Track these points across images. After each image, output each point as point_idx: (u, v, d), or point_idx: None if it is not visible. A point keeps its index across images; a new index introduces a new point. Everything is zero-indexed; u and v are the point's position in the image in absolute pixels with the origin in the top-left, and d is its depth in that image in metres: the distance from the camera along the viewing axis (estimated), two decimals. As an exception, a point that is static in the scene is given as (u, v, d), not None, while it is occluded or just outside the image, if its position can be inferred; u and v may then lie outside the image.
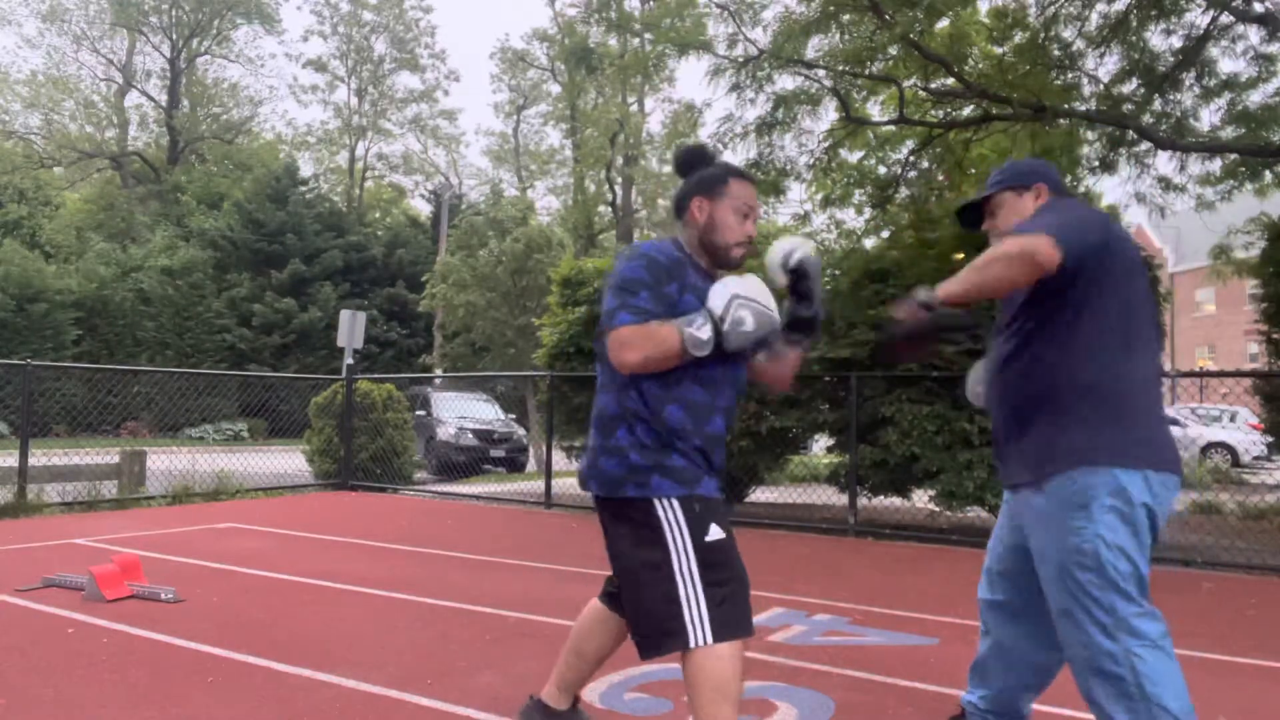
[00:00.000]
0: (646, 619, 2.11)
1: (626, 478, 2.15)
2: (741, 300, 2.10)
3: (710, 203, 2.28)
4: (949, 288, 2.13)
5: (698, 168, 2.35)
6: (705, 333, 2.09)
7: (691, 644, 2.04)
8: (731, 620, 2.07)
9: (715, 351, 2.12)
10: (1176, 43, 8.73)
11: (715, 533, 2.14)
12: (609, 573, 2.42)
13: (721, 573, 2.10)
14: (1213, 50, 8.77)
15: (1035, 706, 2.65)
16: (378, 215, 37.37)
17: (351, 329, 13.82)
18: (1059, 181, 2.43)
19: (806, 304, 2.23)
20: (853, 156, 10.78)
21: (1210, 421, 17.58)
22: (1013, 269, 2.05)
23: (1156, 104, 9.10)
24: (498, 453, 14.42)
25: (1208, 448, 16.72)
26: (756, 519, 7.79)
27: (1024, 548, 2.34)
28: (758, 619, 3.87)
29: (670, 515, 2.12)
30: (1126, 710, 2.05)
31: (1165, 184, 9.87)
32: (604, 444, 2.21)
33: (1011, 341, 2.30)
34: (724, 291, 2.12)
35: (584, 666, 2.56)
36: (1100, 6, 8.70)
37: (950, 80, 8.64)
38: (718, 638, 2.04)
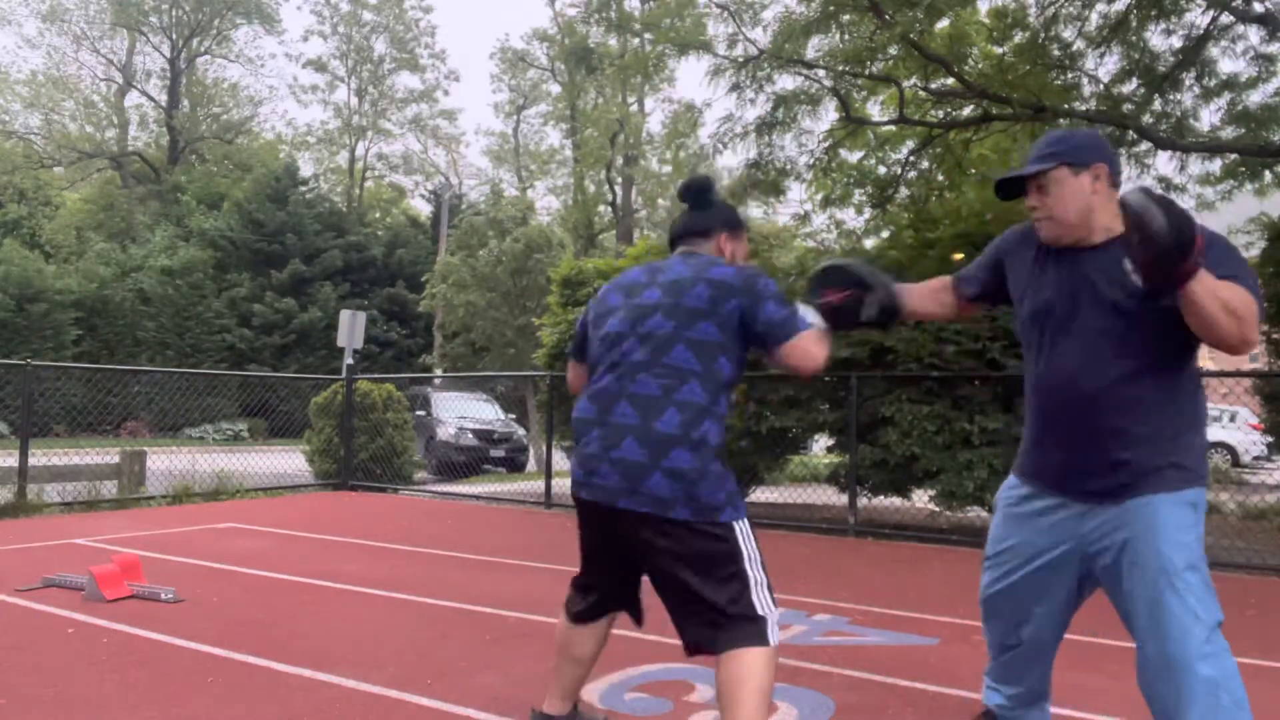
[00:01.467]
0: (723, 615, 2.17)
1: (726, 503, 2.21)
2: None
3: (735, 244, 2.51)
4: (1201, 289, 1.85)
5: (703, 198, 2.53)
6: (819, 319, 2.41)
7: (771, 642, 2.16)
8: (777, 628, 2.25)
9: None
10: (1176, 43, 8.74)
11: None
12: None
13: (770, 579, 2.27)
14: (1213, 50, 8.78)
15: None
16: (378, 215, 37.35)
17: (351, 329, 13.82)
18: (1118, 164, 2.18)
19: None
20: (853, 156, 10.78)
21: (1210, 421, 17.53)
22: (1232, 333, 1.88)
23: (1156, 104, 9.10)
24: (498, 453, 14.42)
25: (1208, 448, 16.69)
26: (756, 519, 7.73)
27: (1080, 559, 2.19)
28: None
29: (745, 533, 2.24)
30: (1212, 713, 2.00)
31: (1165, 184, 9.87)
32: (704, 469, 2.18)
33: (1116, 361, 2.07)
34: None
35: (580, 670, 2.58)
36: (1100, 6, 8.70)
37: (950, 80, 8.64)
38: (775, 640, 2.19)
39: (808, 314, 2.32)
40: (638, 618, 2.54)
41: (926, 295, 2.53)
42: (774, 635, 2.18)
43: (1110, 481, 2.08)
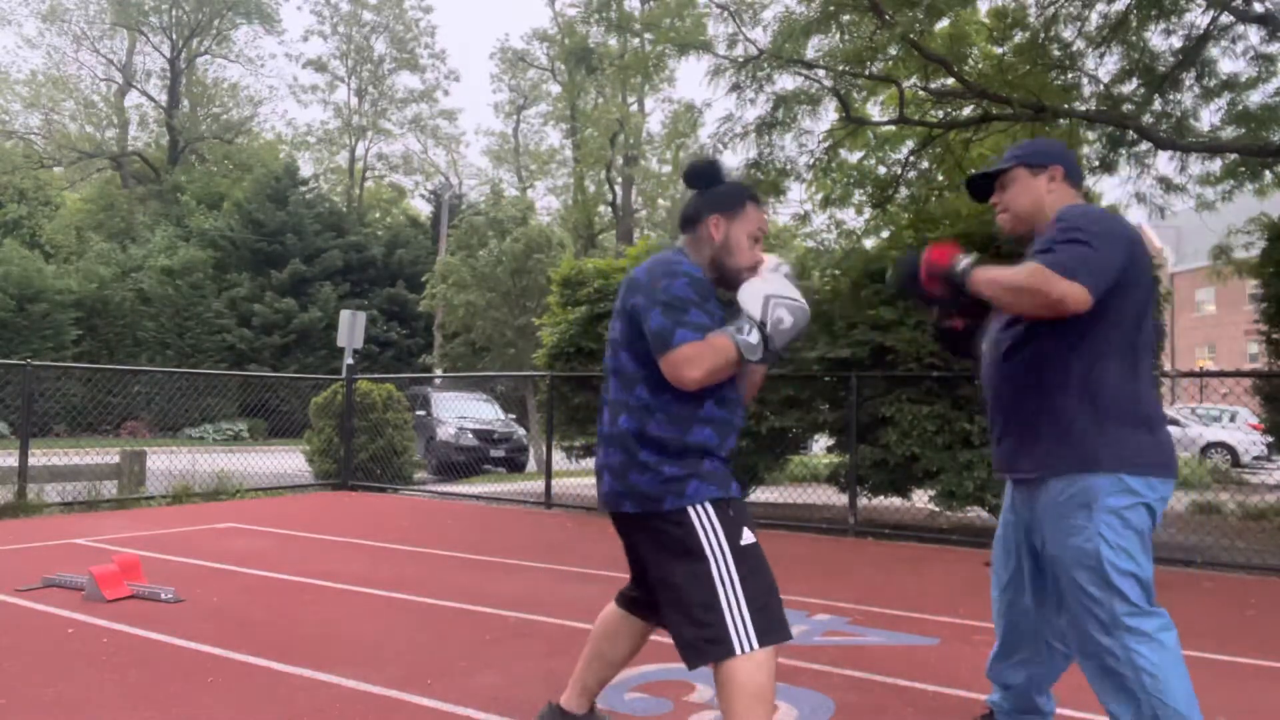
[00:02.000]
0: (690, 628, 2.10)
1: (665, 491, 2.14)
2: (776, 299, 2.14)
3: (727, 224, 2.28)
4: (980, 284, 2.20)
5: (709, 182, 2.34)
6: (755, 337, 2.11)
7: (737, 651, 2.04)
8: (772, 625, 2.09)
9: (763, 355, 2.14)
10: (1176, 43, 8.73)
11: (748, 536, 2.15)
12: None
13: (758, 577, 2.12)
14: (1213, 50, 8.77)
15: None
16: (378, 215, 37.37)
17: (351, 329, 13.81)
18: (1075, 166, 2.42)
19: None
20: (853, 156, 10.77)
21: (1210, 421, 17.57)
22: (1039, 308, 2.10)
23: (1156, 104, 9.09)
24: (498, 453, 14.42)
25: (1208, 448, 16.71)
26: (756, 519, 7.75)
27: (1025, 532, 2.40)
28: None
29: (707, 521, 2.12)
30: (1131, 708, 2.07)
31: (1165, 184, 9.86)
32: (630, 460, 2.18)
33: (1017, 331, 2.29)
34: (756, 293, 2.15)
35: (607, 671, 2.54)
36: (1100, 6, 8.69)
37: (950, 80, 8.64)
38: (761, 642, 2.06)
39: (741, 329, 2.11)
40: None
41: None
42: (747, 643, 2.05)
43: (1008, 459, 2.36)
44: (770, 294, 2.13)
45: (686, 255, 2.29)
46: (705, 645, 2.07)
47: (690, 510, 2.12)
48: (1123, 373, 2.17)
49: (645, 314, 2.16)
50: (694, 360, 2.07)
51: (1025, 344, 2.26)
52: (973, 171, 2.51)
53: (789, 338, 2.15)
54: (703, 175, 2.35)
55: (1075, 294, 2.03)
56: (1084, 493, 2.14)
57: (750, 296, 2.15)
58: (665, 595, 2.17)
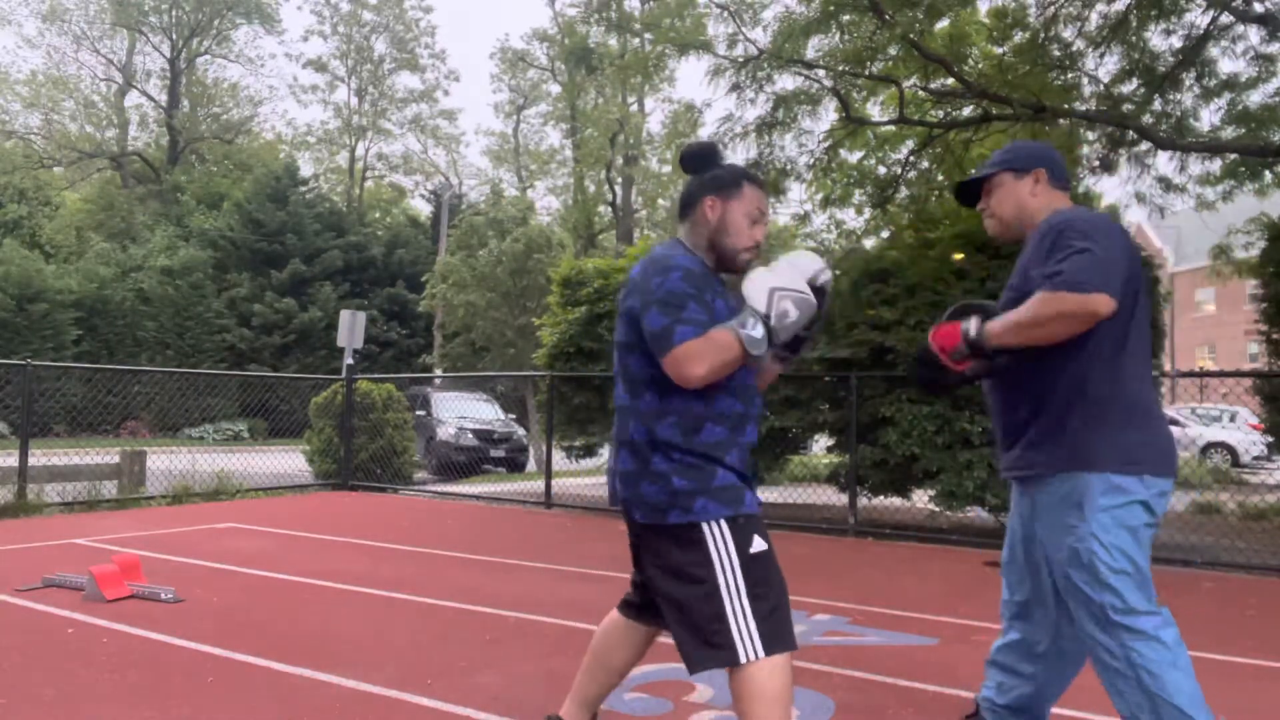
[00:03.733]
0: (694, 635, 2.08)
1: (671, 504, 2.10)
2: (781, 291, 2.09)
3: (723, 204, 2.23)
4: (1003, 336, 2.19)
5: (706, 166, 2.29)
6: (759, 331, 2.06)
7: (741, 660, 2.03)
8: (779, 633, 2.07)
9: (768, 349, 2.10)
10: (1176, 43, 8.73)
11: (759, 544, 2.11)
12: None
13: (766, 585, 2.09)
14: (1213, 50, 8.76)
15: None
16: (378, 215, 37.38)
17: (351, 329, 13.82)
18: (1061, 168, 2.42)
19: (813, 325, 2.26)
20: (853, 156, 10.77)
21: (1210, 421, 17.57)
22: (1074, 326, 2.09)
23: (1156, 104, 9.09)
24: (498, 453, 14.41)
25: (1208, 448, 16.71)
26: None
27: (1031, 537, 2.38)
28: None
29: (717, 535, 2.09)
30: (1132, 705, 2.08)
31: (1165, 184, 9.86)
32: (642, 469, 2.14)
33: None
34: (761, 285, 2.10)
35: (609, 680, 2.49)
36: (1100, 6, 8.69)
37: (950, 80, 8.64)
38: (768, 650, 2.03)
39: (745, 324, 2.06)
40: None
41: None
42: (753, 651, 2.03)
43: (1010, 460, 2.36)
44: (775, 286, 2.09)
45: (683, 245, 2.24)
46: (709, 652, 2.06)
47: (703, 526, 2.09)
48: (1114, 370, 2.17)
49: (643, 314, 2.12)
50: (695, 357, 2.02)
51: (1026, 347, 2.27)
52: (960, 180, 2.55)
53: (793, 331, 2.12)
54: (699, 158, 2.29)
55: (1099, 303, 2.03)
56: (1076, 491, 2.15)
57: (755, 289, 2.10)
58: (668, 603, 2.15)
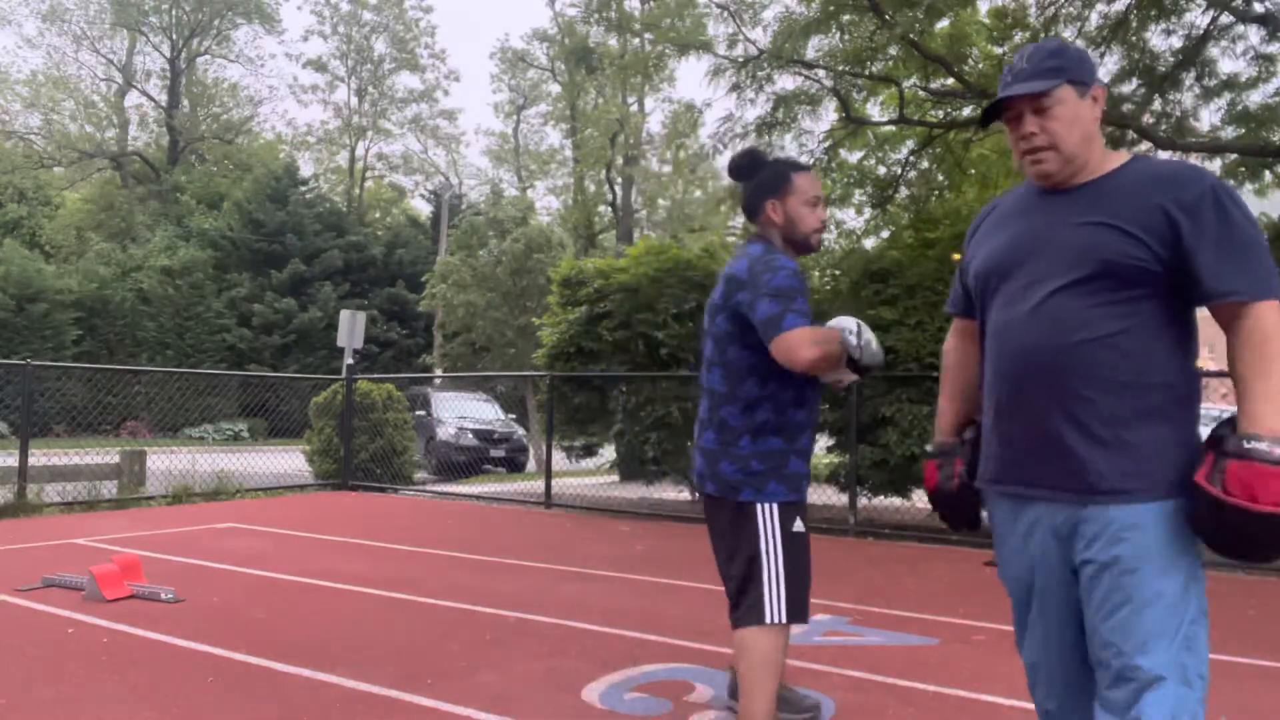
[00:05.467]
0: (741, 594, 2.42)
1: (745, 483, 2.41)
2: (865, 326, 2.44)
3: (781, 202, 2.49)
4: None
5: (755, 172, 2.53)
6: (855, 341, 2.37)
7: (768, 620, 2.36)
8: (798, 606, 2.40)
9: (849, 366, 2.42)
10: (1176, 43, 8.73)
11: (799, 525, 2.45)
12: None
13: (798, 563, 2.42)
14: (1213, 50, 8.77)
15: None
16: (378, 215, 37.38)
17: (351, 329, 13.81)
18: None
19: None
20: (853, 156, 10.78)
21: (1210, 421, 17.53)
22: None
23: (1156, 104, 9.09)
24: (498, 453, 14.42)
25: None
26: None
27: (1059, 574, 1.69)
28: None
29: (770, 516, 2.41)
30: None
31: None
32: (725, 450, 2.44)
33: (1082, 307, 1.63)
34: (848, 319, 2.44)
35: None
36: (1100, 6, 8.70)
37: (950, 80, 8.64)
38: (788, 618, 2.38)
39: (844, 322, 2.40)
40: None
41: (969, 369, 1.96)
42: (777, 614, 2.36)
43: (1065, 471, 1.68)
44: (860, 321, 2.44)
45: (773, 245, 2.47)
46: (747, 610, 2.39)
47: (760, 506, 2.40)
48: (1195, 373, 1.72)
49: (753, 306, 2.34)
50: (806, 342, 2.26)
51: (1101, 325, 1.66)
52: (1007, 91, 1.76)
53: (875, 361, 2.43)
54: (744, 169, 2.55)
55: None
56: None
57: (842, 320, 2.43)
58: (729, 563, 2.48)
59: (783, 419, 2.42)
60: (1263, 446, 1.47)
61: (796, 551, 2.41)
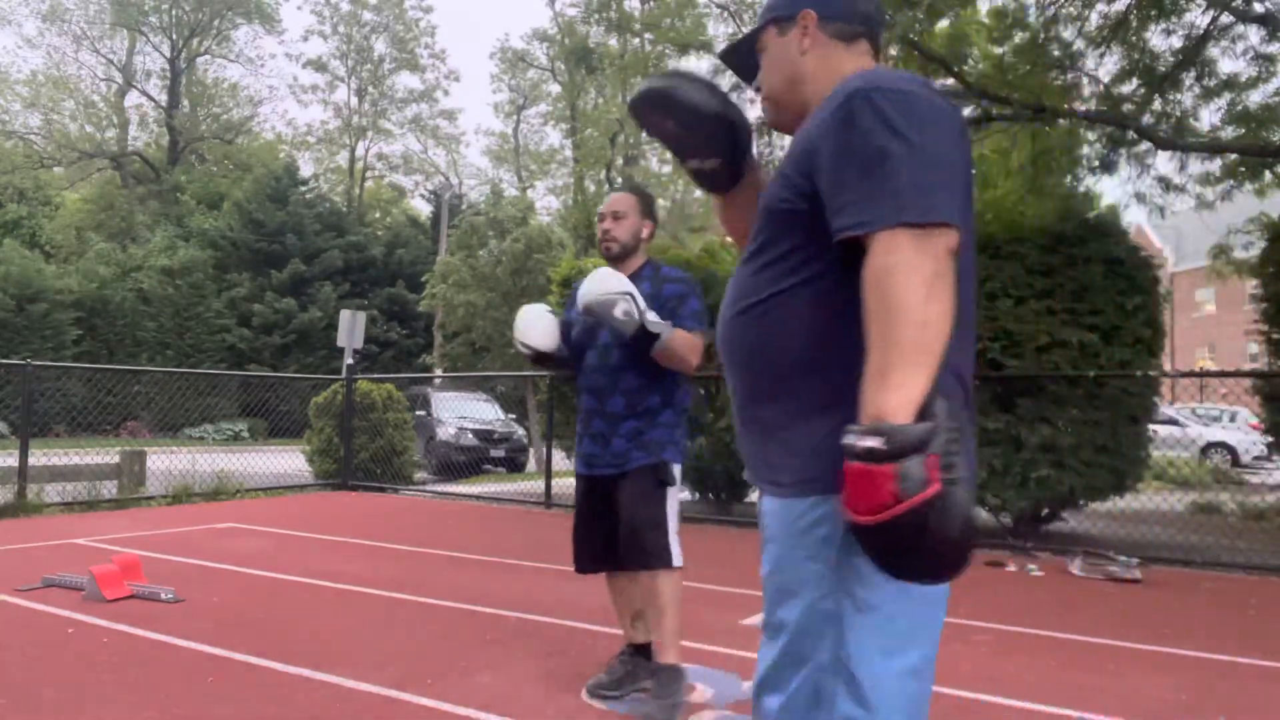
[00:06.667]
0: (644, 543, 2.90)
1: (668, 443, 2.98)
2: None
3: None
4: None
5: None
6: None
7: (675, 564, 2.91)
8: (681, 552, 2.96)
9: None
10: (1176, 43, 8.73)
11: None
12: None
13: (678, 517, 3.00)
14: (1213, 50, 8.76)
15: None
16: (378, 215, 37.39)
17: (351, 329, 13.81)
18: (841, 5, 1.49)
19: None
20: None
21: (1210, 421, 17.57)
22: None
23: (1156, 104, 9.09)
24: (498, 453, 14.41)
25: (1208, 448, 16.71)
26: (755, 519, 7.77)
27: None
28: (754, 619, 3.86)
29: (675, 473, 2.99)
30: None
31: (1165, 184, 9.85)
32: (649, 424, 2.99)
33: (749, 273, 1.39)
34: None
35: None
36: (1100, 6, 8.69)
37: (950, 80, 8.64)
38: (680, 563, 2.94)
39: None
40: None
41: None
42: (678, 559, 2.93)
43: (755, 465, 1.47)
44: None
45: None
46: (651, 557, 2.89)
47: (672, 465, 3.04)
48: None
49: (689, 299, 3.08)
50: (699, 348, 3.04)
51: (764, 288, 1.38)
52: (728, 45, 1.64)
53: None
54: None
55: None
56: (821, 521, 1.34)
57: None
58: (626, 521, 2.97)
59: (685, 398, 3.18)
60: (851, 439, 1.11)
61: (679, 506, 3.05)
